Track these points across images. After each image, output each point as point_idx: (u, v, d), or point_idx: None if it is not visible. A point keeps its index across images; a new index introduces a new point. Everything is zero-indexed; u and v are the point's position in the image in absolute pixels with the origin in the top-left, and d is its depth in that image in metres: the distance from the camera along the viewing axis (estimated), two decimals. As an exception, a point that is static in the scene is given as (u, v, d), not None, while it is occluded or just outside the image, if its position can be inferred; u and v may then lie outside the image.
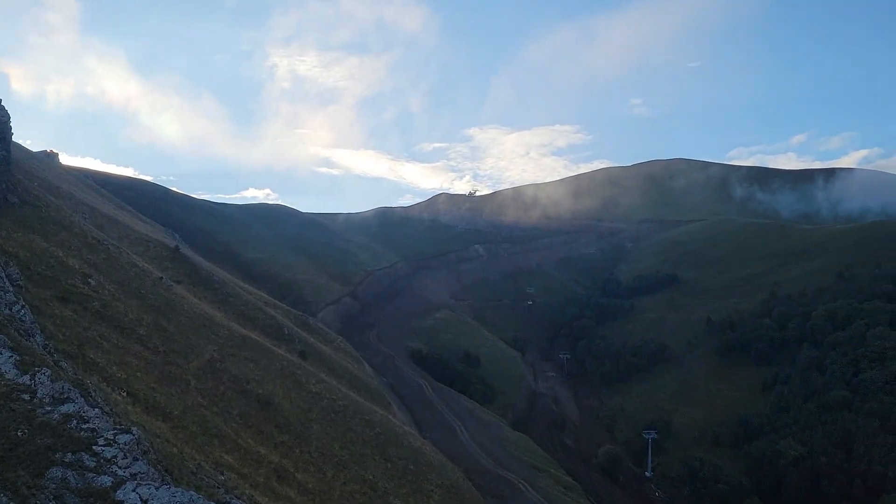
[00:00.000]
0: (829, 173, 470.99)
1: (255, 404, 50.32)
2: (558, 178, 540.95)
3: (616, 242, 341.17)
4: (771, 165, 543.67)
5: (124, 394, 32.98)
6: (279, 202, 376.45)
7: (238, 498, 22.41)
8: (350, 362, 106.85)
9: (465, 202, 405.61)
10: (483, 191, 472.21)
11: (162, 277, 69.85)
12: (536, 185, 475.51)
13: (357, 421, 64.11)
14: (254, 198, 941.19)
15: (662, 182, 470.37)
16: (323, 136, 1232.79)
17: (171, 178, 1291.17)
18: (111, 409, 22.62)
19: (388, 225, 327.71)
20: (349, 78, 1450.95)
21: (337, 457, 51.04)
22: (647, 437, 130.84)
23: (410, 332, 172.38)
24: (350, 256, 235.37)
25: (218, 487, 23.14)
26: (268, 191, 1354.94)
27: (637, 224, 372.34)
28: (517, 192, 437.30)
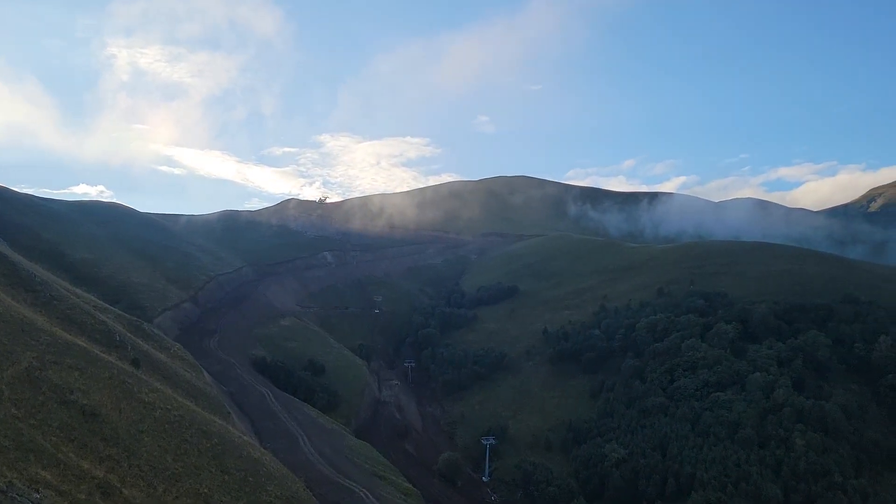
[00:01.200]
0: (653, 196, 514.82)
1: (78, 415, 47.33)
2: (408, 189, 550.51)
3: (462, 254, 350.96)
4: (603, 187, 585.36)
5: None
6: (114, 200, 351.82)
7: (57, 516, 21.30)
8: (188, 370, 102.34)
9: (316, 209, 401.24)
10: (333, 198, 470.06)
11: (-26, 278, 63.89)
12: (386, 195, 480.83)
13: (193, 432, 61.79)
14: (85, 194, 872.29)
15: (503, 197, 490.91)
16: (165, 133, 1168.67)
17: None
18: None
19: (234, 229, 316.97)
20: (197, 74, 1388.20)
21: (169, 470, 49.04)
22: (485, 443, 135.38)
23: (254, 340, 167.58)
24: (192, 260, 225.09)
25: (34, 505, 21.87)
26: (101, 188, 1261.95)
27: (482, 237, 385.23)
28: (367, 201, 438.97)
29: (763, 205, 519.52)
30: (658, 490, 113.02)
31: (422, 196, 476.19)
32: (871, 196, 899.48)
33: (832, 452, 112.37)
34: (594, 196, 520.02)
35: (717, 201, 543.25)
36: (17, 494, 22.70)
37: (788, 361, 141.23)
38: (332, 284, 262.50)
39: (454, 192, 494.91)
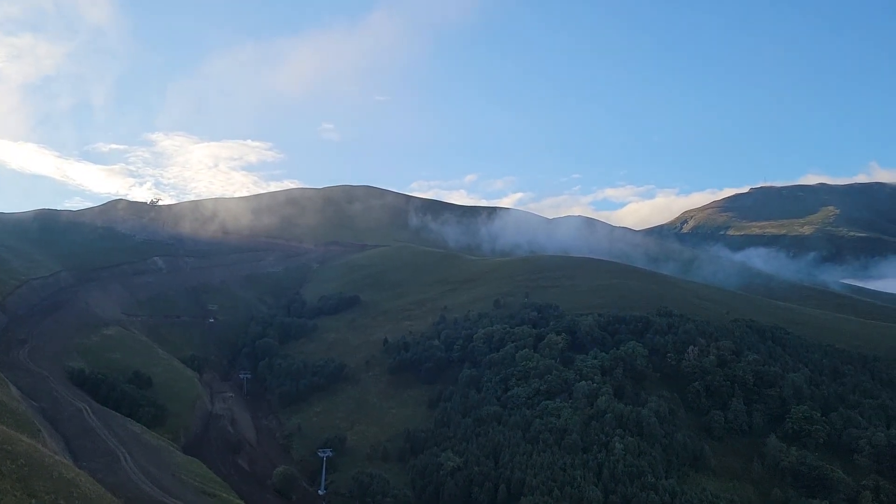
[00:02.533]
0: (492, 211, 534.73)
1: None
2: (248, 195, 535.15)
3: (303, 262, 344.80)
4: (445, 199, 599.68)
5: None
6: None
7: None
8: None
9: (149, 211, 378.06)
10: (167, 200, 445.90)
11: None
12: (222, 200, 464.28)
13: (-6, 452, 55.84)
14: None
15: (341, 206, 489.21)
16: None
17: None
18: None
19: (53, 230, 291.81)
20: (13, 58, 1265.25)
21: (-36, 495, 44.09)
22: (322, 455, 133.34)
23: (72, 351, 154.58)
24: (0, 263, 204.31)
25: None
26: None
27: (324, 246, 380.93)
28: (202, 205, 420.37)
29: (590, 222, 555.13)
30: (490, 497, 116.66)
31: (258, 202, 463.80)
32: (684, 218, 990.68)
33: (646, 455, 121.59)
34: (435, 208, 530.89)
35: (550, 218, 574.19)
36: None
37: (610, 370, 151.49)
38: (162, 292, 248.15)
39: (292, 199, 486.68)
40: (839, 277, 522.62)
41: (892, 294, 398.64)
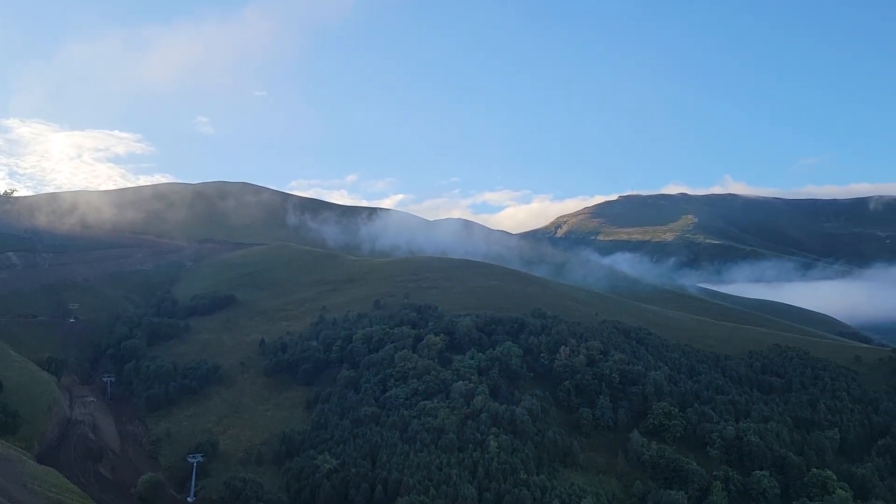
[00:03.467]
0: (372, 212, 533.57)
1: None
2: (115, 188, 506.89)
3: (176, 260, 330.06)
4: (326, 199, 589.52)
5: None
6: None
7: None
8: None
9: (3, 203, 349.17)
10: (23, 192, 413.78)
11: None
12: (83, 192, 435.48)
13: None
14: None
15: (213, 202, 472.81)
16: None
17: None
18: None
19: None
20: None
21: None
22: (191, 460, 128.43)
23: None
24: None
25: None
26: None
27: (198, 243, 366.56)
28: (61, 198, 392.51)
29: (467, 225, 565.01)
30: (367, 498, 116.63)
31: (122, 196, 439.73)
32: (558, 223, 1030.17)
33: (519, 452, 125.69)
34: (314, 207, 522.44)
35: (431, 219, 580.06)
36: None
37: (487, 370, 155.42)
38: (16, 289, 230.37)
39: (160, 194, 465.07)
40: (696, 281, 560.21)
41: (741, 297, 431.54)
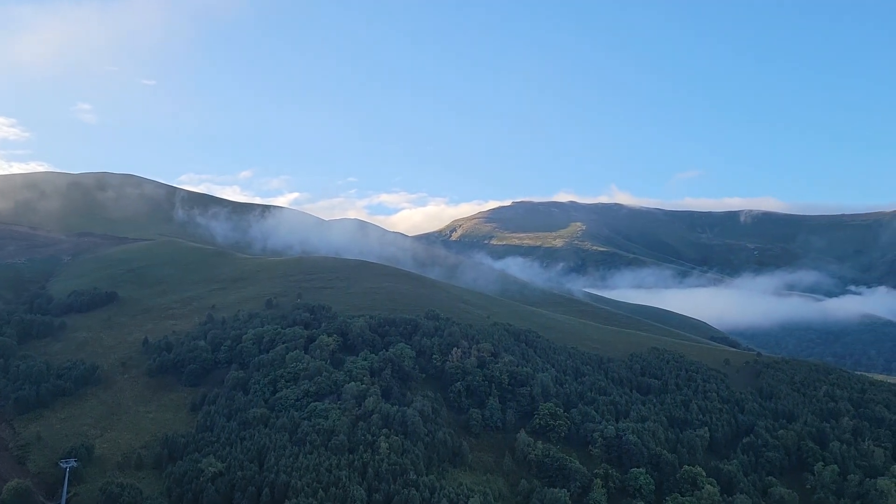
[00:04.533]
0: (265, 209, 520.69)
1: None
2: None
3: (52, 254, 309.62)
4: (218, 194, 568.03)
5: None
6: None
7: None
8: None
9: None
10: None
11: None
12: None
13: None
14: None
15: (91, 192, 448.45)
16: None
17: None
18: None
19: None
20: None
21: None
22: (64, 466, 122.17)
23: None
24: None
25: None
26: None
27: (77, 236, 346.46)
28: None
29: (363, 226, 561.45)
30: (253, 501, 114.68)
31: None
32: (453, 226, 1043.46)
33: (409, 453, 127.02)
34: (203, 202, 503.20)
35: (326, 219, 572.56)
36: None
37: (379, 371, 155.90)
38: None
39: (32, 183, 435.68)
40: (583, 286, 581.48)
41: (624, 302, 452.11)
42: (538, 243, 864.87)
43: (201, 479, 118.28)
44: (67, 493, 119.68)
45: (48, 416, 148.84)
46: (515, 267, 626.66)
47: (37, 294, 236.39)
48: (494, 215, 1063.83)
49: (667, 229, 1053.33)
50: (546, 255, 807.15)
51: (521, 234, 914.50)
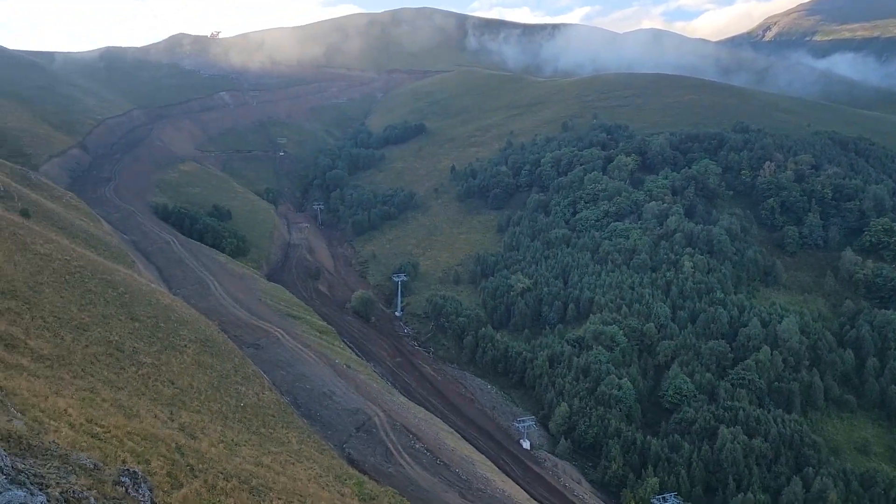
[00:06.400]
0: (555, 28, 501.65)
1: (-31, 272, 45.23)
2: (308, 23, 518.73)
3: (367, 92, 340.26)
4: (507, 18, 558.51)
5: None
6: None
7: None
8: (84, 220, 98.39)
9: (212, 46, 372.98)
10: (225, 33, 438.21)
11: None
12: (272, 31, 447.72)
13: (96, 282, 60.40)
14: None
15: (387, 29, 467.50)
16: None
17: None
18: None
19: (119, 68, 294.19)
20: None
21: (75, 320, 48.22)
22: (396, 279, 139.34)
23: (153, 186, 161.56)
24: (74, 103, 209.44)
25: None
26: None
27: (387, 74, 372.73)
28: (253, 37, 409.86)
29: (658, 35, 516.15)
30: (560, 315, 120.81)
31: (304, 32, 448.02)
32: (766, 25, 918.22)
33: (716, 272, 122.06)
34: (493, 27, 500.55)
35: (619, 32, 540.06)
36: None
37: (682, 190, 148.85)
38: (232, 127, 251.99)
39: (338, 26, 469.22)
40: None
41: None
42: (875, 33, 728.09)
43: (511, 293, 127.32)
44: (401, 302, 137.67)
45: (378, 237, 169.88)
46: (844, 65, 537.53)
47: (358, 130, 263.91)
48: (819, 6, 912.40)
49: None
50: (885, 47, 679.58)
51: (853, 25, 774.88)
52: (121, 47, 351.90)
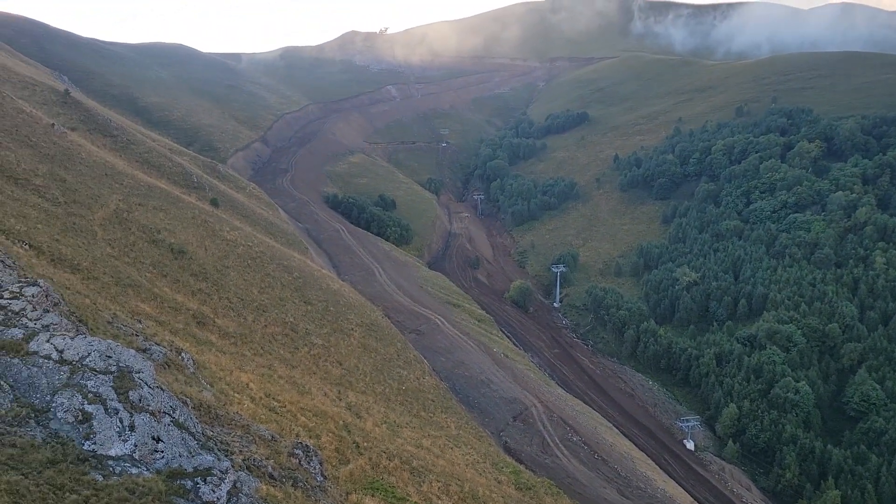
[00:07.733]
0: (728, 7, 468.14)
1: (168, 253, 49.88)
2: (475, 14, 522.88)
3: (529, 81, 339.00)
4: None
5: (26, 247, 32.04)
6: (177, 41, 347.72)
7: (158, 344, 22.81)
8: (264, 209, 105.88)
9: (379, 41, 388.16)
10: (392, 29, 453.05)
11: (54, 124, 65.86)
12: (433, 25, 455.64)
13: (274, 266, 64.73)
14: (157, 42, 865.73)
15: (545, 16, 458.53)
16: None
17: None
18: (13, 262, 22.10)
19: (297, 66, 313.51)
20: None
21: (256, 301, 51.90)
22: (555, 270, 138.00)
23: (324, 177, 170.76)
24: (257, 100, 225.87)
25: (136, 335, 23.46)
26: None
27: (549, 62, 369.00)
28: (428, 31, 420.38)
29: (848, 9, 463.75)
30: (729, 311, 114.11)
31: (461, 25, 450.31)
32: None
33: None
34: (659, 9, 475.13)
35: (801, 8, 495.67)
36: (121, 324, 24.37)
37: (874, 178, 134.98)
38: (397, 119, 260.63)
39: (496, 17, 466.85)
40: None
41: None
42: None
43: (676, 287, 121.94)
44: (560, 293, 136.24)
45: (537, 227, 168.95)
46: None
47: (520, 119, 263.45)
48: None
49: None
50: None
51: None
52: (298, 46, 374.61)
